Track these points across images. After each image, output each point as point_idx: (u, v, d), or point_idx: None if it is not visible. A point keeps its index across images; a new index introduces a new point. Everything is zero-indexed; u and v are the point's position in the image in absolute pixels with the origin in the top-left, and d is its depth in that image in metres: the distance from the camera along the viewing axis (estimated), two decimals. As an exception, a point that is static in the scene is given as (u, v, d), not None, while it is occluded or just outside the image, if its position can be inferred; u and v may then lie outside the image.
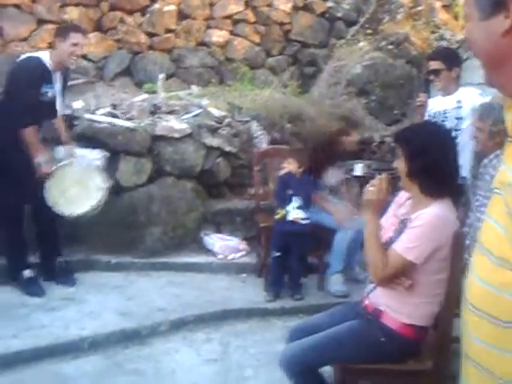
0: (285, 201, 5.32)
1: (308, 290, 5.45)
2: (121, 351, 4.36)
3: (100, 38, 7.93)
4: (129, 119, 6.40)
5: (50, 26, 7.76)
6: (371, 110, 7.81)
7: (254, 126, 6.76)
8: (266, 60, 8.78)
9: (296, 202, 5.28)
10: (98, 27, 7.96)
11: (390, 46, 8.16)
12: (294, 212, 5.26)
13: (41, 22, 7.77)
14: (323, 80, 8.22)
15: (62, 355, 4.22)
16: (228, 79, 8.23)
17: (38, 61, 5.06)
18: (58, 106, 5.42)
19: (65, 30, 5.22)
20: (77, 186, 5.11)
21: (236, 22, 8.60)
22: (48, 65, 5.08)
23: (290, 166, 5.41)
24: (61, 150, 5.43)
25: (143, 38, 8.03)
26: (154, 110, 6.70)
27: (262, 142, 6.66)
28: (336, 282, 5.41)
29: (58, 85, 5.27)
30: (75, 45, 5.06)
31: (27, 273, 5.22)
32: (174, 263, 5.89)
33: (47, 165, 5.02)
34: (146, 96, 7.19)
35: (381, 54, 8.09)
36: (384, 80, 7.90)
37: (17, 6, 7.68)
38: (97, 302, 5.05)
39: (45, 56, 5.12)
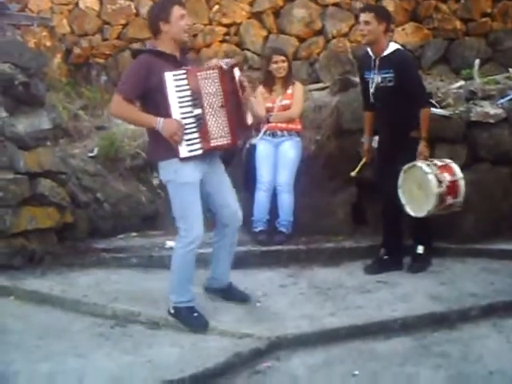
0: None
1: None
2: (429, 334, 4.48)
3: (415, 28, 8.12)
4: (444, 107, 6.50)
5: (368, 21, 8.13)
6: None
7: None
8: None
9: None
10: (413, 17, 8.13)
11: None
12: None
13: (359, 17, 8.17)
14: None
15: (375, 334, 4.47)
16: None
17: None
18: None
19: None
20: (418, 187, 5.25)
21: (554, -2, 8.09)
22: None
23: None
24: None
25: (458, 25, 8.01)
26: (470, 96, 6.70)
27: None
28: None
29: None
30: None
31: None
32: (489, 250, 5.86)
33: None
34: (462, 83, 7.19)
35: None
36: None
37: (336, 5, 8.23)
38: (409, 285, 5.23)
39: None
